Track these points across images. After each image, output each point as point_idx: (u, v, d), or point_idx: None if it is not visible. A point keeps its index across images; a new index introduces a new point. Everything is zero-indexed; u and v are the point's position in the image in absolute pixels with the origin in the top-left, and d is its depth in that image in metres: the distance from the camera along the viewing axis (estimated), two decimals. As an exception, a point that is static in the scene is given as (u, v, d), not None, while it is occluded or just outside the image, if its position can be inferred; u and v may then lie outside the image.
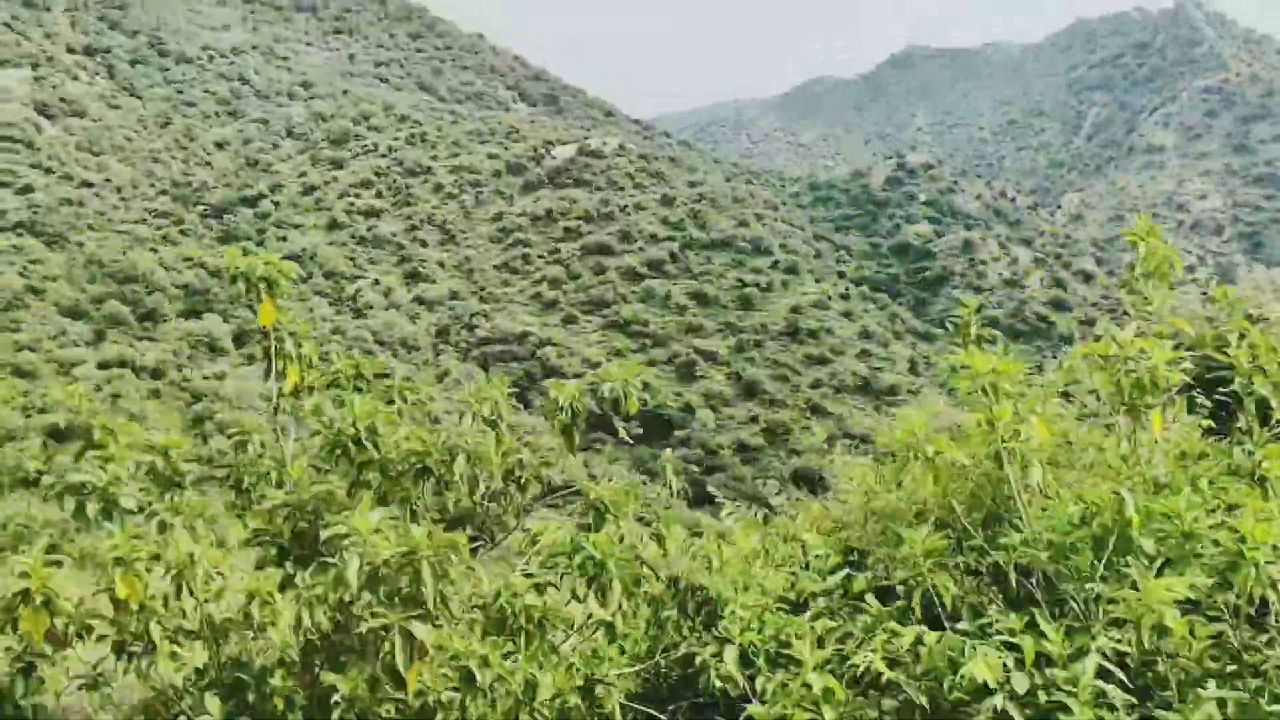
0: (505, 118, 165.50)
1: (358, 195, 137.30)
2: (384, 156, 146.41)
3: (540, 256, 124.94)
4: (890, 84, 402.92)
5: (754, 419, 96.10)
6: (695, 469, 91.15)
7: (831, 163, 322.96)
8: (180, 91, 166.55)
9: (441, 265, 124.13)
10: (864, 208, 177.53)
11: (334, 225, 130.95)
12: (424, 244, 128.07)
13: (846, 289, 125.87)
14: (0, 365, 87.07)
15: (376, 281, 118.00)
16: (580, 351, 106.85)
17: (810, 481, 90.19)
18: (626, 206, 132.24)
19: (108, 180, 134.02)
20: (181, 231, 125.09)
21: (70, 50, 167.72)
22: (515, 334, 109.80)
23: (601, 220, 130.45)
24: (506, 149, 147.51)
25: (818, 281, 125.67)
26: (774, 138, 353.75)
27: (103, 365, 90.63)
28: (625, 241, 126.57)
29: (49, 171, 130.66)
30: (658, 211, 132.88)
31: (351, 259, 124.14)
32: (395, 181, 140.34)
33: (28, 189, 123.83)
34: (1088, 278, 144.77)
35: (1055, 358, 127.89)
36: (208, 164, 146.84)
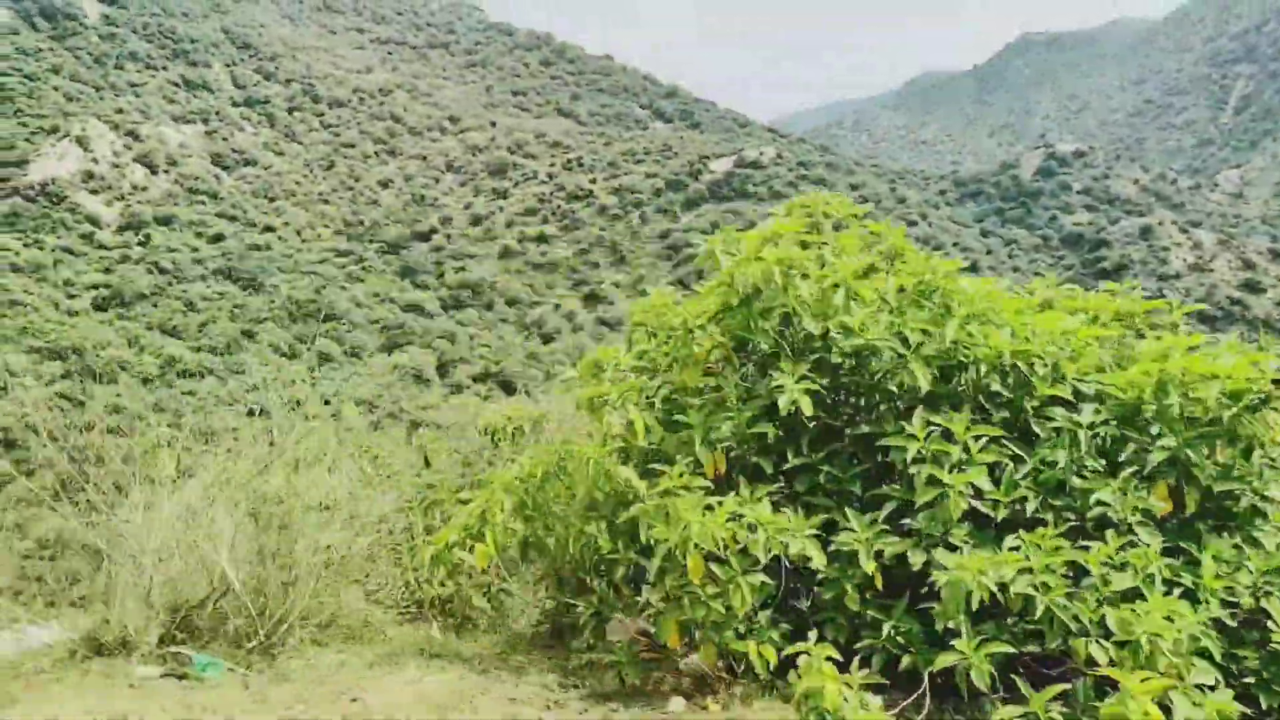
0: (656, 136, 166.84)
1: (525, 223, 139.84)
2: (544, 183, 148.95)
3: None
4: (1008, 73, 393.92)
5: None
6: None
7: (957, 158, 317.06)
8: (337, 135, 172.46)
9: (617, 286, 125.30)
10: (1016, 200, 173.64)
11: (506, 253, 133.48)
12: (596, 266, 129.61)
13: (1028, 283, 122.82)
14: (232, 404, 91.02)
15: (557, 306, 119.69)
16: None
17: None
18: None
19: (286, 224, 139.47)
20: (364, 269, 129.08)
21: (234, 103, 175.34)
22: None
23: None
24: (663, 166, 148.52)
25: (999, 278, 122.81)
26: (895, 136, 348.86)
27: (326, 401, 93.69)
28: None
29: (234, 220, 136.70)
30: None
31: (529, 285, 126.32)
32: (559, 207, 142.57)
33: (219, 237, 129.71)
34: (1276, 255, 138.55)
35: (1256, 341, 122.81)
36: (374, 202, 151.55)
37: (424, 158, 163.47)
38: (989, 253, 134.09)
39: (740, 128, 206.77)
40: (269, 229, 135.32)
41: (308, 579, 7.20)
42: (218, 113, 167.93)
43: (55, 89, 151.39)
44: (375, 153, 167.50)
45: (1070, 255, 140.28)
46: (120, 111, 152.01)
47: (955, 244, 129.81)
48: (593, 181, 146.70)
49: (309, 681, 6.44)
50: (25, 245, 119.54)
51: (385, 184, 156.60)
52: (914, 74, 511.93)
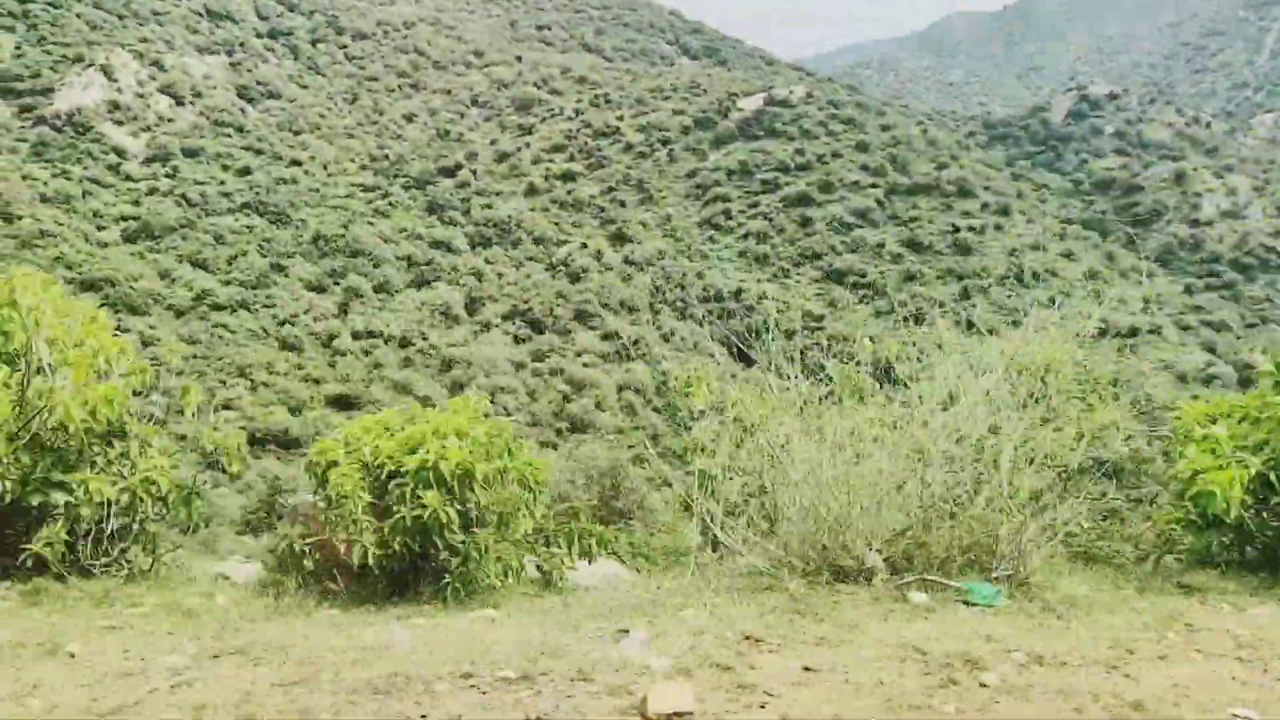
0: (683, 73, 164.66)
1: (551, 160, 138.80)
2: (570, 120, 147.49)
3: (741, 211, 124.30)
4: (1037, 14, 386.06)
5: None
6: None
7: (984, 100, 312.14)
8: (362, 68, 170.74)
9: (644, 225, 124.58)
10: (1046, 144, 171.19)
11: (532, 191, 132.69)
12: (623, 204, 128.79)
13: (1063, 229, 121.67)
14: (266, 338, 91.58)
15: (584, 244, 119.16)
16: (798, 305, 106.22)
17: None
18: (823, 155, 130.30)
19: (312, 158, 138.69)
20: (390, 204, 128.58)
21: (257, 35, 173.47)
22: (730, 290, 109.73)
23: (799, 171, 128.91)
24: (690, 104, 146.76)
25: (1029, 223, 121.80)
26: (921, 77, 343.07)
27: (355, 336, 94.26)
28: (826, 191, 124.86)
29: (259, 153, 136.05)
30: (854, 158, 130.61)
31: (555, 223, 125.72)
32: (586, 144, 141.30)
33: (246, 170, 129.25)
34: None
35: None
36: (399, 137, 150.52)
37: (449, 92, 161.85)
38: (1019, 196, 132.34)
39: (767, 65, 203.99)
40: (295, 163, 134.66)
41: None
42: (241, 44, 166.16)
43: (79, 16, 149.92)
44: (399, 87, 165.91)
45: (1101, 200, 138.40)
46: (144, 41, 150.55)
47: (986, 188, 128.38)
48: (620, 119, 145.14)
49: (1103, 609, 6.46)
50: (53, 175, 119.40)
51: (410, 118, 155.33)
52: (940, 14, 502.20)
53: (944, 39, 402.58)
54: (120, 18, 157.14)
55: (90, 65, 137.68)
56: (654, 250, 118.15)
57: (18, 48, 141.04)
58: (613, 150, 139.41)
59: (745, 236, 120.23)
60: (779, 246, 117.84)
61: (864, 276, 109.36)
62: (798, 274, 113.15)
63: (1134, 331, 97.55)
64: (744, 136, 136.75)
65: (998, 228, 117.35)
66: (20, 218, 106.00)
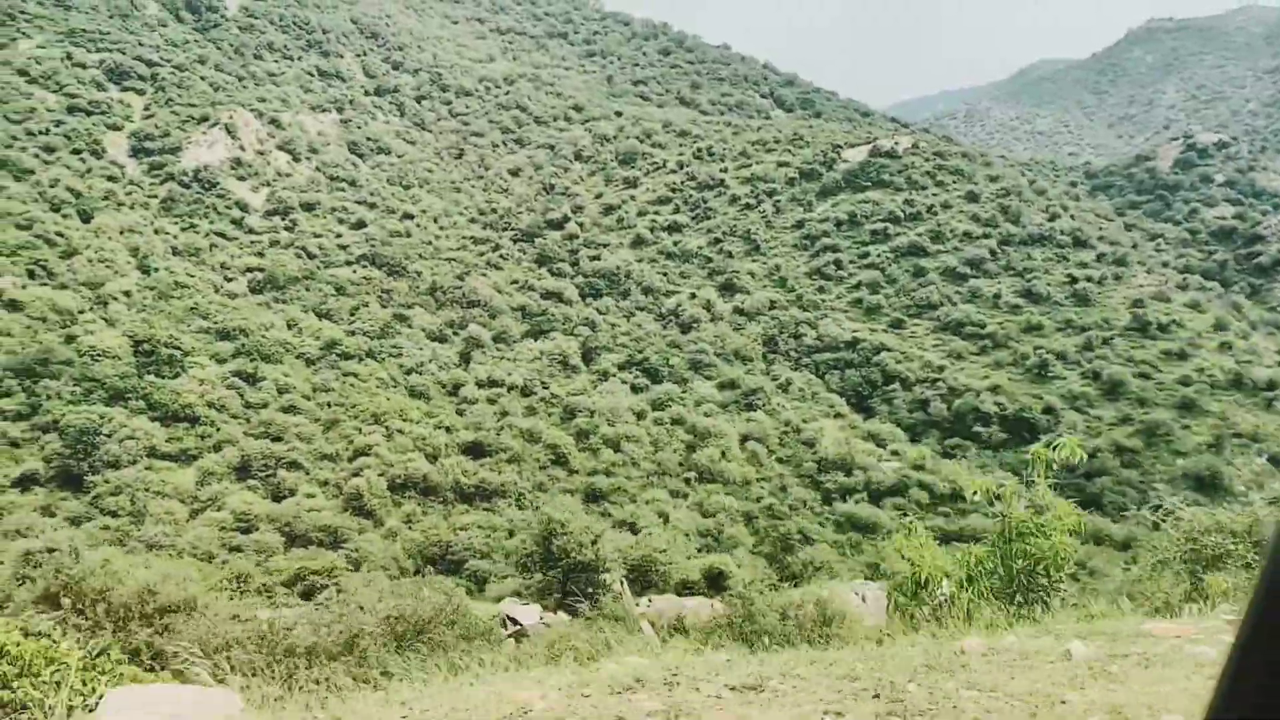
0: (785, 125, 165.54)
1: (657, 212, 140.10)
2: (674, 173, 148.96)
3: (852, 261, 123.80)
4: (1128, 62, 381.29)
5: (1126, 419, 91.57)
6: (1070, 473, 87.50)
7: (1075, 150, 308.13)
8: (466, 124, 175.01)
9: (752, 275, 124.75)
10: (1152, 193, 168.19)
11: (639, 242, 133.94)
12: (730, 255, 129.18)
13: (1184, 279, 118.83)
14: (396, 387, 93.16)
15: (693, 295, 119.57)
16: (917, 355, 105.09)
17: (1202, 482, 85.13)
18: (932, 206, 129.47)
19: (423, 212, 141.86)
20: (501, 256, 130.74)
21: (365, 93, 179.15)
22: (844, 340, 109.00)
23: (909, 221, 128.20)
24: (794, 155, 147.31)
25: (1149, 273, 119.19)
26: (1009, 127, 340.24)
27: (479, 384, 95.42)
28: (937, 241, 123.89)
29: (373, 206, 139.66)
30: (965, 208, 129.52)
31: (663, 274, 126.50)
32: (691, 196, 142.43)
33: (361, 224, 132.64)
34: None
35: None
36: (505, 190, 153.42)
37: (551, 147, 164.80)
38: (1135, 247, 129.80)
39: (862, 116, 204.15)
40: (407, 216, 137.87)
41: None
42: (351, 101, 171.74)
43: (202, 79, 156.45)
44: (503, 142, 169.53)
45: (1221, 250, 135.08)
46: (262, 100, 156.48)
47: (1100, 237, 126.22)
48: (724, 171, 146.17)
49: None
50: (182, 229, 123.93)
51: (514, 173, 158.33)
52: (1025, 62, 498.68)
53: (1030, 87, 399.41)
54: (239, 79, 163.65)
55: (215, 124, 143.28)
56: (764, 300, 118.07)
57: (147, 108, 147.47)
58: (718, 202, 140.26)
59: (857, 286, 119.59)
60: (892, 297, 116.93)
61: (983, 327, 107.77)
62: (914, 324, 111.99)
63: (1272, 385, 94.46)
64: (850, 187, 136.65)
65: (1116, 278, 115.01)
66: (156, 270, 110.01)
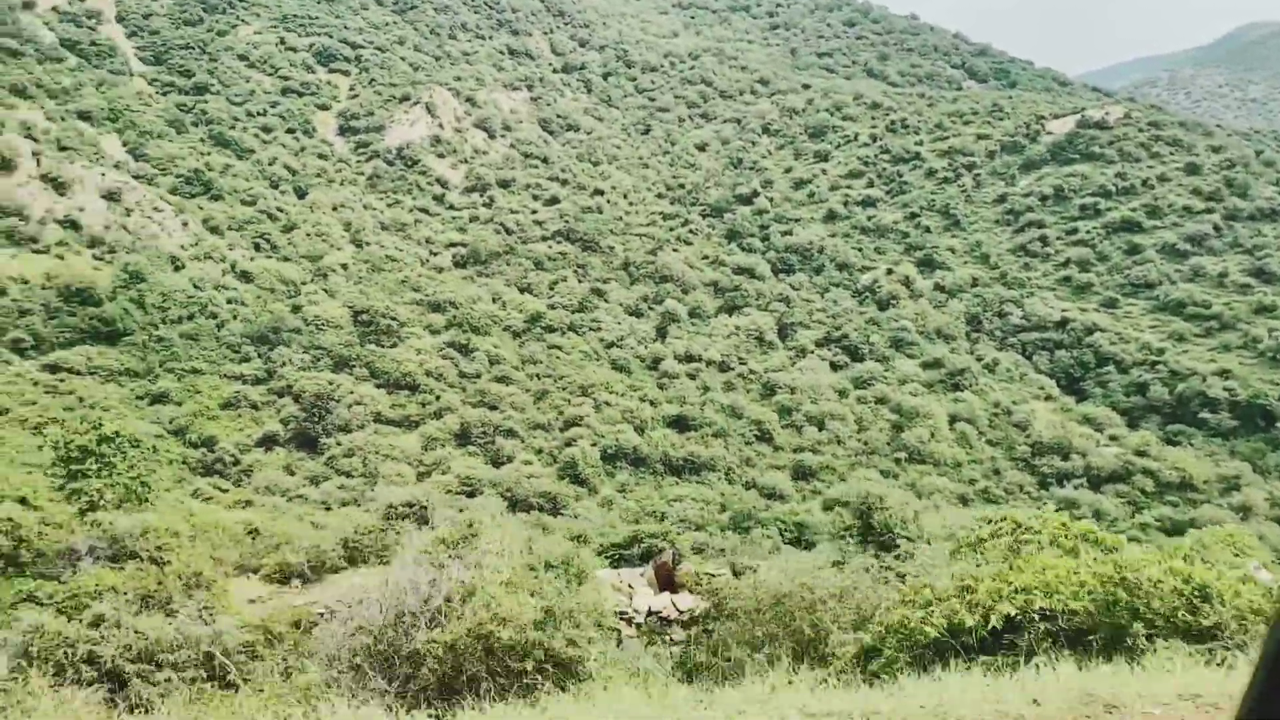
0: (983, 96, 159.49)
1: (849, 186, 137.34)
2: (866, 146, 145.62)
3: (1059, 237, 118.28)
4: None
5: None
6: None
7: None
8: (652, 99, 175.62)
9: (952, 251, 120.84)
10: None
11: (831, 217, 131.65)
12: (928, 230, 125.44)
13: None
14: (596, 359, 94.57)
15: (889, 270, 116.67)
16: (1133, 337, 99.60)
17: None
18: (1148, 179, 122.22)
19: (613, 188, 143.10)
20: (690, 231, 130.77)
21: (553, 70, 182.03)
22: (1053, 320, 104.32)
23: (1121, 195, 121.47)
24: (994, 128, 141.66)
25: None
26: (1217, 94, 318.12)
27: (677, 358, 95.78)
28: (1154, 216, 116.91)
29: (565, 183, 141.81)
30: (1184, 181, 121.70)
31: (858, 249, 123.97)
32: (884, 170, 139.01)
33: (554, 200, 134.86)
34: None
35: None
36: (693, 165, 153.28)
37: (739, 121, 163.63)
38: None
39: (1061, 86, 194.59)
40: (598, 192, 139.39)
41: None
42: (541, 79, 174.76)
43: (402, 59, 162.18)
44: (689, 117, 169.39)
45: None
46: (458, 79, 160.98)
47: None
48: (919, 144, 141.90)
49: None
50: (388, 205, 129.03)
51: (701, 147, 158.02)
52: (1234, 25, 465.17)
53: (1240, 53, 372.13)
54: (436, 59, 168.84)
55: (415, 103, 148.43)
56: (966, 277, 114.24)
57: (352, 89, 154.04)
58: (913, 176, 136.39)
59: (1065, 264, 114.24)
60: (1104, 275, 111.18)
61: (1208, 308, 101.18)
62: (1129, 304, 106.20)
63: None
64: (1056, 160, 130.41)
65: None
66: (367, 244, 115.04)
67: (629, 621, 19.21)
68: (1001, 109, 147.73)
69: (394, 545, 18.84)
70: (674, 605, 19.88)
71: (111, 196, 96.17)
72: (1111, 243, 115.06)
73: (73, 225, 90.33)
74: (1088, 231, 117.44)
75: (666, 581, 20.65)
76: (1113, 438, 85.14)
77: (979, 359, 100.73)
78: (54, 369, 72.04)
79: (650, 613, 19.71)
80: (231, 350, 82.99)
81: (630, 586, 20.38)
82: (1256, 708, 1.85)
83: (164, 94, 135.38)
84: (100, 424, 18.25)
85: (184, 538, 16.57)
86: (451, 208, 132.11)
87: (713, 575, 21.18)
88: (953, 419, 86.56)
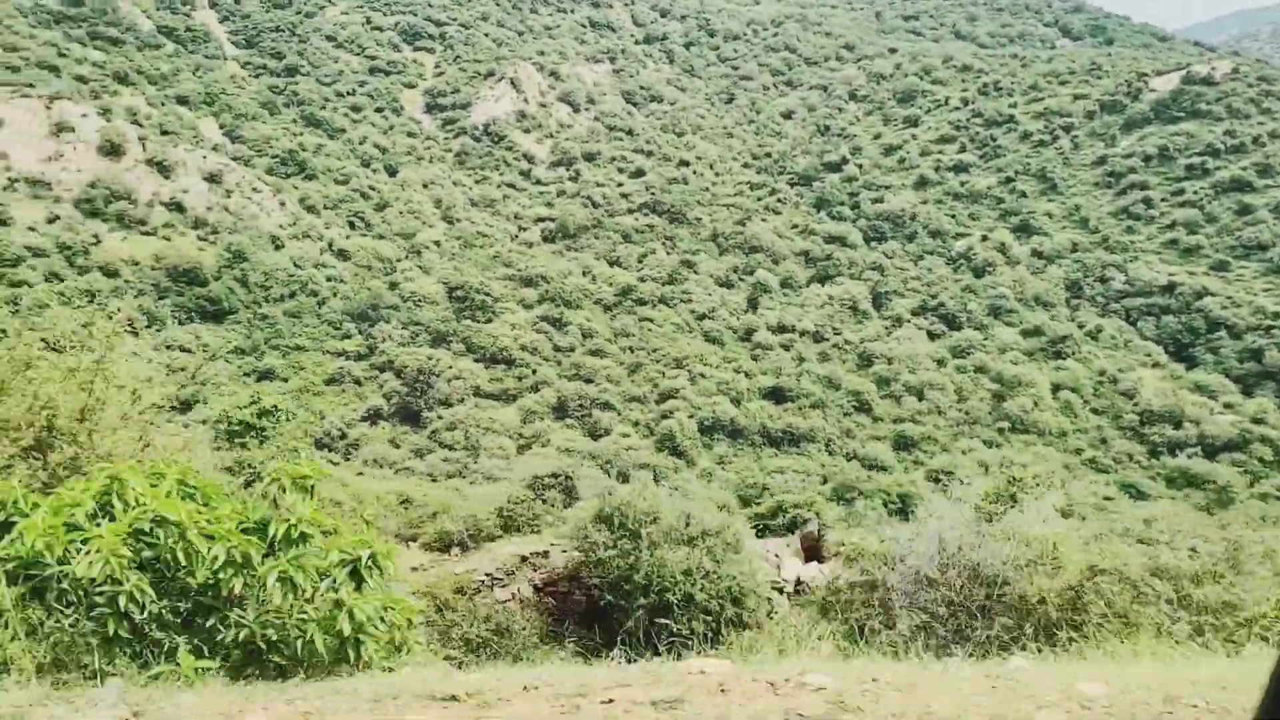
0: (1079, 55, 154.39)
1: (941, 151, 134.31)
2: (957, 110, 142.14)
3: (1164, 199, 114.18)
4: None
5: None
6: None
7: None
8: (735, 68, 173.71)
9: (1050, 216, 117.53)
10: None
11: (923, 183, 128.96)
12: (1024, 195, 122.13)
13: None
14: (691, 332, 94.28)
15: (984, 237, 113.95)
16: (1246, 301, 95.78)
17: None
18: (1259, 137, 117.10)
19: (699, 158, 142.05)
20: (779, 200, 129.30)
21: (635, 41, 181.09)
22: (1159, 285, 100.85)
23: (1230, 154, 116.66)
24: (1093, 87, 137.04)
25: None
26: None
27: (770, 329, 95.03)
28: (1266, 175, 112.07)
29: (649, 155, 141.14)
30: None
31: (951, 216, 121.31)
32: (977, 134, 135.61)
33: (640, 172, 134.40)
34: None
35: None
36: (779, 134, 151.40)
37: (824, 88, 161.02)
38: None
39: (1160, 42, 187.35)
40: (683, 163, 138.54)
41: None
42: (623, 51, 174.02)
43: (486, 35, 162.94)
44: (774, 84, 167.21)
45: None
46: (541, 54, 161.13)
47: None
48: (1013, 106, 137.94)
49: None
50: (476, 182, 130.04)
51: (787, 116, 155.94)
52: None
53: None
54: (519, 34, 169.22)
55: (500, 79, 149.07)
56: (1065, 242, 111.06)
57: (437, 66, 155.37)
58: (1008, 139, 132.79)
59: (1171, 226, 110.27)
60: (1213, 237, 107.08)
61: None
62: (1240, 267, 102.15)
63: None
64: (1160, 119, 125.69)
65: None
66: (458, 220, 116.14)
67: (779, 591, 19.02)
68: (1100, 67, 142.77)
69: (543, 515, 18.87)
70: (822, 575, 19.63)
71: (212, 178, 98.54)
72: (1221, 203, 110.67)
73: (178, 207, 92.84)
74: (1195, 192, 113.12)
75: (813, 552, 20.39)
76: (1227, 405, 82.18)
77: (1080, 326, 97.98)
78: (166, 348, 74.21)
79: (799, 582, 19.49)
80: (333, 327, 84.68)
81: (776, 556, 20.16)
82: (1275, 708, 1.75)
83: (256, 76, 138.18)
84: (258, 397, 18.60)
85: (345, 508, 16.78)
86: (538, 182, 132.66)
87: (858, 545, 20.84)
88: (1056, 387, 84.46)
